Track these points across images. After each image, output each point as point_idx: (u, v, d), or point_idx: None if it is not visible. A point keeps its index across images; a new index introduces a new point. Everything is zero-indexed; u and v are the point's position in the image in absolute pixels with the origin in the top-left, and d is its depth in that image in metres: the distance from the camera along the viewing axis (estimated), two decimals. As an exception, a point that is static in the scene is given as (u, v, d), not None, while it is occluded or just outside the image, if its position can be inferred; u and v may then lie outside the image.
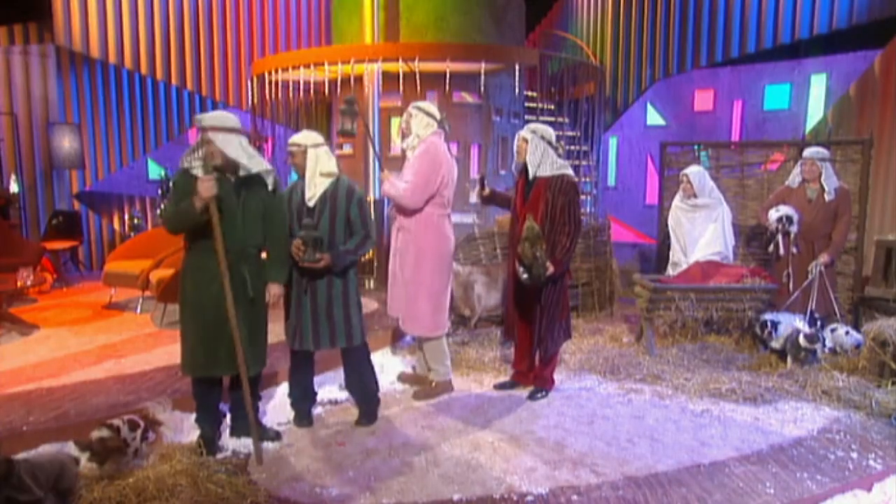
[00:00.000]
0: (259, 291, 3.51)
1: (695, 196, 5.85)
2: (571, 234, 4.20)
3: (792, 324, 5.01)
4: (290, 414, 4.08)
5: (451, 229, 4.46)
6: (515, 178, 4.48)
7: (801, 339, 4.82)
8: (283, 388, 4.51)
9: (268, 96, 8.53)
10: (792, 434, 3.85)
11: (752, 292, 5.31)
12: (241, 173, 3.41)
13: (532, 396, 4.46)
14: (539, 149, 4.24)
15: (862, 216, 5.94)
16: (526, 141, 4.28)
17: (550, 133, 4.31)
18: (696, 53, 9.54)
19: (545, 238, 4.13)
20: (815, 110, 9.35)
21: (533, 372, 4.57)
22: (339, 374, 4.86)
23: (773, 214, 5.58)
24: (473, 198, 4.69)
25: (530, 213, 4.19)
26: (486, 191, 4.54)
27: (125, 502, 2.94)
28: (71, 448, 3.25)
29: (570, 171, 4.33)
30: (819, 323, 5.12)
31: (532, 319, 4.39)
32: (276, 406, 4.23)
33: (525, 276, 4.11)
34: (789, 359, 4.92)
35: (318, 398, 4.32)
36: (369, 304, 6.69)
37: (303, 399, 4.03)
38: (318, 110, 10.15)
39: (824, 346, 4.88)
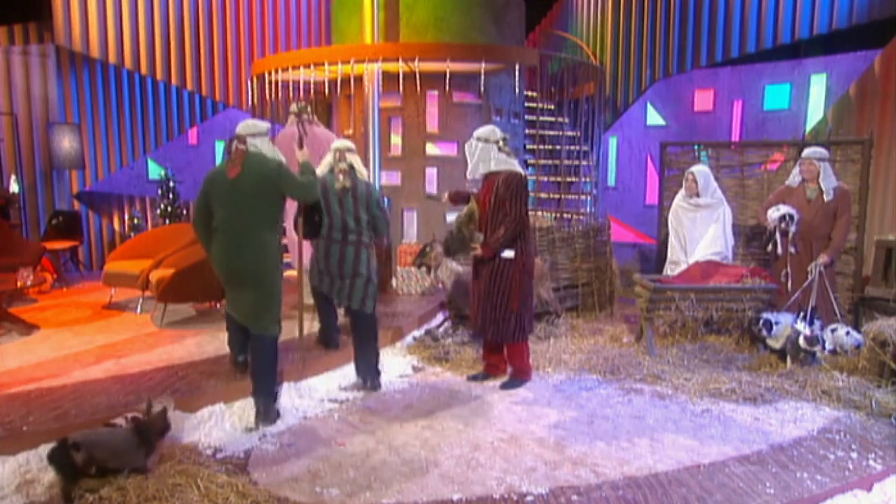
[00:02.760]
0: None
1: (698, 195, 5.85)
2: (509, 226, 4.40)
3: (791, 324, 5.01)
4: (290, 419, 4.10)
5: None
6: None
7: (802, 341, 4.82)
8: (284, 388, 4.53)
9: (268, 96, 8.53)
10: (792, 434, 3.85)
11: (752, 292, 5.31)
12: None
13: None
14: (476, 150, 4.50)
15: (862, 216, 5.94)
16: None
17: (488, 133, 4.51)
18: (696, 53, 9.53)
19: (488, 226, 4.45)
20: (815, 110, 9.35)
21: (504, 364, 4.80)
22: (339, 375, 4.88)
23: (775, 213, 5.57)
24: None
25: (480, 203, 4.51)
26: (445, 195, 4.91)
27: (125, 502, 2.94)
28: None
29: (517, 166, 4.53)
30: (818, 323, 5.12)
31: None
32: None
33: (443, 242, 4.56)
34: (789, 359, 4.92)
35: (319, 398, 4.39)
36: (369, 304, 6.69)
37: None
38: (318, 110, 10.14)
39: (824, 348, 4.87)
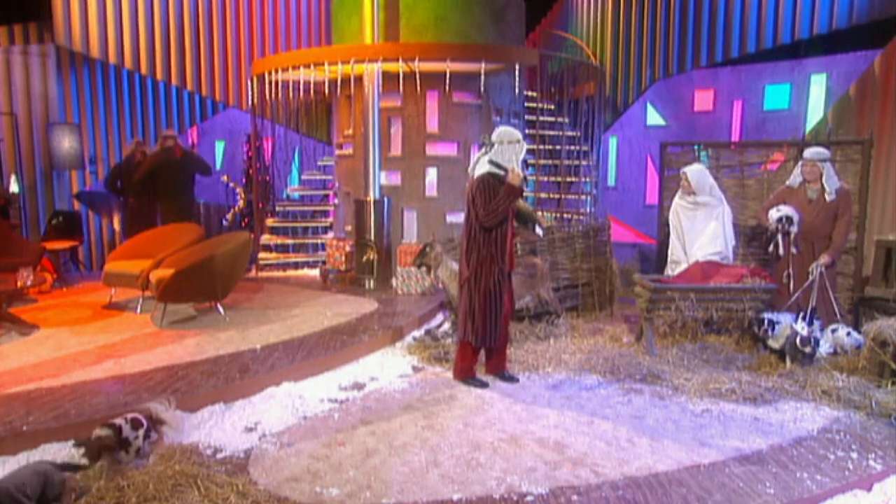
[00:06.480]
0: None
1: (693, 194, 5.86)
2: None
3: (791, 324, 5.01)
4: (290, 419, 4.10)
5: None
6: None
7: (797, 342, 4.82)
8: (284, 388, 4.53)
9: (268, 96, 8.53)
10: (792, 434, 3.85)
11: (752, 292, 5.30)
12: None
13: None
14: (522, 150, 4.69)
15: (862, 216, 5.94)
16: None
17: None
18: (696, 53, 9.53)
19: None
20: (815, 110, 9.35)
21: (504, 364, 4.93)
22: (338, 374, 4.89)
23: (774, 214, 5.58)
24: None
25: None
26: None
27: (125, 502, 2.94)
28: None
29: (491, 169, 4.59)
30: (817, 324, 5.12)
31: None
32: (275, 406, 4.24)
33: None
34: (789, 359, 4.92)
35: (319, 398, 4.38)
36: (369, 304, 6.69)
37: None
38: (318, 110, 10.14)
39: (815, 349, 4.85)
